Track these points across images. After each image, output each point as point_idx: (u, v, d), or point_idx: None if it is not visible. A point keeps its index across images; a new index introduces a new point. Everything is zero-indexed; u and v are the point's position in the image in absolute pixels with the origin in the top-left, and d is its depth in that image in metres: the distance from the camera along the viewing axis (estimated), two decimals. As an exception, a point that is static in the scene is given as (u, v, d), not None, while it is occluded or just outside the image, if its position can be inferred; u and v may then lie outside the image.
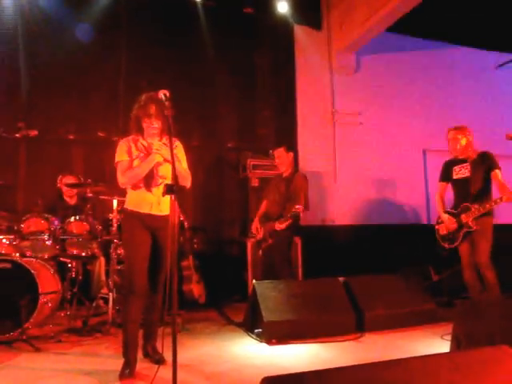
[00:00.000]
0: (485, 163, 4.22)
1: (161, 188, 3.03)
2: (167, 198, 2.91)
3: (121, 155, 3.09)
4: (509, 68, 8.20)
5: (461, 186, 4.35)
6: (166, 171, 3.08)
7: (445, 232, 4.40)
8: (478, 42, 7.92)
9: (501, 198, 3.98)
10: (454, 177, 4.44)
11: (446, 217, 4.38)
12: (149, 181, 3.07)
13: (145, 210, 3.07)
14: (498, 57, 8.17)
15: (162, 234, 3.08)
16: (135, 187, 3.10)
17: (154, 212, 3.08)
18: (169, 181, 3.03)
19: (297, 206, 4.35)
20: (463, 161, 4.37)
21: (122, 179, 3.07)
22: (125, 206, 3.20)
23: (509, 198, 3.91)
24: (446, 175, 4.53)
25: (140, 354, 3.14)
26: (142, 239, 3.06)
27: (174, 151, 2.97)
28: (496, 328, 2.49)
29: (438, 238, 4.50)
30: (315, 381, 1.34)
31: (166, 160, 3.05)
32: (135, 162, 3.07)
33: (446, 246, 4.38)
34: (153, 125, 3.05)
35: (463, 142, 4.34)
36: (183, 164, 3.19)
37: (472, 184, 4.22)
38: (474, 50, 8.05)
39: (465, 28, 7.29)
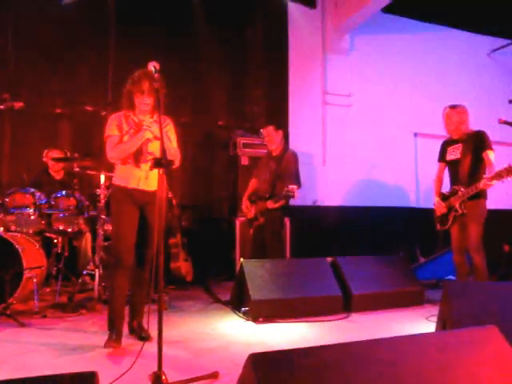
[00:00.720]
0: (476, 144, 4.11)
1: (149, 164, 3.05)
2: (155, 173, 2.90)
3: (111, 130, 3.09)
4: (502, 53, 8.17)
5: (452, 168, 4.29)
6: (155, 148, 3.09)
7: (438, 214, 4.38)
8: (472, 26, 7.87)
9: (476, 186, 3.91)
10: (447, 158, 4.36)
11: (436, 200, 4.36)
12: (138, 157, 3.08)
13: (132, 184, 3.09)
14: (493, 41, 8.13)
15: (149, 209, 3.10)
16: (124, 162, 3.11)
17: (142, 187, 3.09)
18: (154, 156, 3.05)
19: (290, 187, 4.26)
20: (457, 141, 4.29)
21: (110, 154, 3.08)
22: (113, 181, 3.21)
23: (485, 185, 3.83)
24: (441, 155, 4.45)
25: (126, 331, 3.12)
26: (130, 214, 3.08)
27: (164, 129, 2.98)
28: (482, 309, 2.50)
29: (435, 218, 4.46)
30: (302, 358, 1.32)
31: (156, 137, 3.05)
32: (125, 138, 3.07)
33: (438, 227, 4.36)
34: (145, 101, 3.04)
35: (457, 120, 4.22)
36: (173, 143, 3.19)
37: (461, 166, 4.15)
38: (468, 33, 8.00)
39: (460, 11, 7.22)
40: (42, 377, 1.24)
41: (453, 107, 4.28)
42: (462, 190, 4.06)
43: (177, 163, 3.13)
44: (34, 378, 1.26)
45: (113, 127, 3.09)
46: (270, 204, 4.58)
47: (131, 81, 3.06)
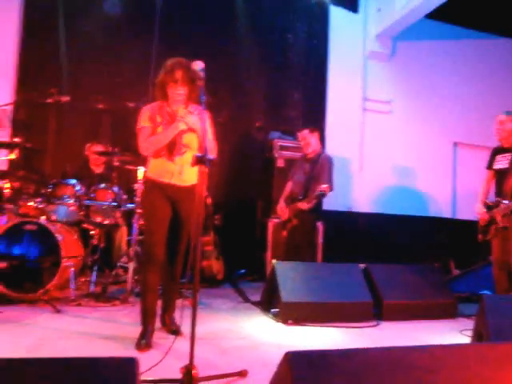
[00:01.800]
0: None
1: (184, 157, 2.99)
2: (189, 168, 2.93)
3: (143, 121, 3.01)
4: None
5: (499, 178, 4.14)
6: (189, 140, 3.01)
7: (480, 223, 4.22)
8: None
9: None
10: (494, 166, 4.21)
11: (478, 208, 4.21)
12: (171, 149, 2.98)
13: (165, 179, 3.00)
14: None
15: (182, 205, 3.04)
16: (157, 155, 3.02)
17: (175, 182, 3.01)
18: (193, 150, 3.01)
19: (322, 186, 4.24)
20: (507, 150, 4.12)
21: (143, 145, 2.99)
22: (145, 175, 3.14)
23: None
24: (490, 163, 4.28)
25: (158, 323, 3.16)
26: (162, 209, 3.02)
27: (204, 124, 2.95)
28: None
29: (478, 228, 4.32)
30: (341, 359, 1.32)
31: (190, 129, 2.97)
32: (159, 129, 2.98)
33: (480, 237, 4.22)
34: (178, 91, 2.95)
35: (510, 128, 4.07)
36: (209, 135, 3.01)
37: (508, 177, 4.01)
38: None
39: (505, 19, 7.03)
40: (87, 358, 1.28)
41: (508, 113, 4.12)
42: (505, 202, 3.94)
43: (213, 154, 3.01)
44: (77, 359, 1.30)
45: (145, 118, 3.01)
46: (303, 205, 4.55)
47: (164, 70, 2.96)
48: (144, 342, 2.87)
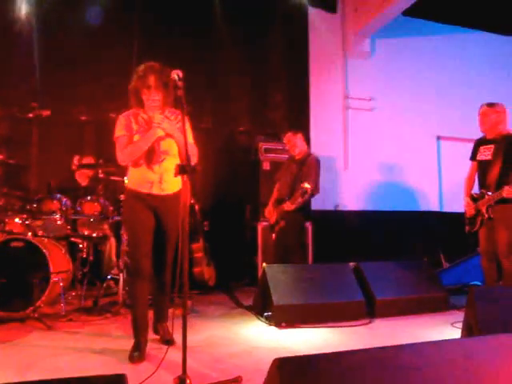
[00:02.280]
0: (509, 147, 3.97)
1: (163, 165, 2.93)
2: (170, 177, 2.87)
3: (119, 130, 2.93)
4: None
5: (482, 169, 4.16)
6: (168, 146, 2.93)
7: (467, 215, 4.25)
8: (496, 27, 7.74)
9: (500, 193, 3.83)
10: (478, 157, 4.23)
11: (466, 200, 4.25)
12: (150, 157, 2.90)
13: (145, 189, 2.93)
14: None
15: (165, 214, 2.98)
16: (136, 165, 2.93)
17: (155, 191, 2.93)
18: (172, 157, 2.95)
19: (305, 184, 4.21)
20: (490, 141, 4.14)
21: (120, 156, 2.91)
22: (125, 185, 3.05)
23: (508, 193, 3.74)
24: (473, 154, 4.31)
25: (150, 332, 3.14)
26: (144, 219, 2.95)
27: (177, 124, 2.88)
28: (510, 316, 2.46)
29: (465, 219, 4.37)
30: (328, 363, 1.32)
31: (168, 134, 2.89)
32: (135, 137, 2.90)
33: (467, 229, 4.26)
34: (153, 97, 2.88)
35: (494, 120, 4.08)
36: (189, 138, 2.92)
37: (491, 168, 4.03)
38: (492, 34, 7.88)
39: (482, 13, 7.12)
40: (73, 378, 1.27)
41: (490, 105, 4.14)
42: (489, 194, 3.99)
43: (195, 159, 2.94)
44: (64, 380, 1.29)
45: (121, 127, 2.92)
46: (287, 205, 4.55)
47: (136, 76, 2.89)
48: (137, 354, 2.84)
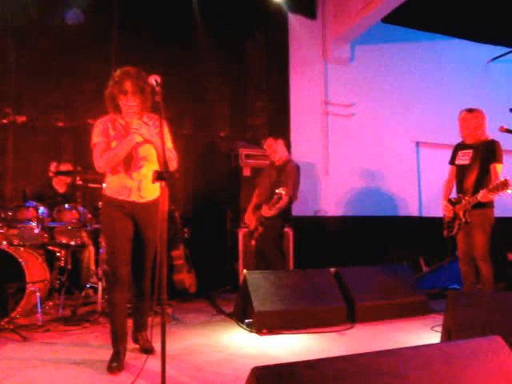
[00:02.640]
0: (486, 153, 4.04)
1: (142, 172, 2.90)
2: (148, 183, 2.83)
3: (96, 137, 2.88)
4: (502, 62, 8.20)
5: (460, 173, 4.23)
6: (147, 152, 2.89)
7: (446, 219, 4.30)
8: (472, 35, 7.90)
9: (476, 197, 3.89)
10: (456, 162, 4.29)
11: (443, 204, 4.30)
12: (128, 164, 2.86)
13: (123, 196, 2.89)
14: (492, 50, 8.15)
15: (143, 221, 2.95)
16: (114, 171, 2.89)
17: (133, 199, 2.90)
18: (151, 163, 2.91)
19: (278, 190, 4.20)
20: (469, 146, 4.20)
21: (98, 163, 2.85)
22: (103, 193, 3.00)
23: (483, 197, 3.80)
24: (452, 158, 4.37)
25: (130, 341, 3.09)
26: (123, 228, 2.91)
27: (155, 130, 2.84)
28: (487, 319, 2.49)
29: (443, 223, 4.42)
30: (306, 370, 1.31)
31: (146, 140, 2.84)
32: (113, 144, 2.85)
33: (445, 233, 4.31)
34: (129, 102, 2.84)
35: (473, 125, 4.14)
36: (168, 144, 2.89)
37: (468, 173, 4.10)
38: (468, 42, 8.03)
39: (459, 20, 7.27)
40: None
41: (469, 111, 4.20)
42: (466, 198, 4.05)
43: (174, 165, 2.92)
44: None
45: (98, 134, 2.88)
46: (264, 211, 4.55)
47: (112, 82, 2.85)
48: (116, 364, 2.79)
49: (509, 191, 3.69)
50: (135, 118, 2.91)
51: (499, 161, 4.01)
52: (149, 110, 2.94)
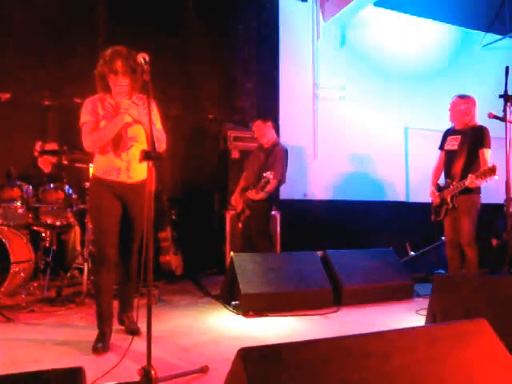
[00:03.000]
0: (474, 139, 4.06)
1: (131, 152, 2.87)
2: (137, 164, 2.78)
3: (85, 116, 2.87)
4: (493, 48, 8.19)
5: (448, 159, 4.25)
6: (135, 133, 2.88)
7: (433, 204, 4.34)
8: (464, 21, 7.87)
9: (463, 182, 3.92)
10: (445, 147, 4.32)
11: (431, 190, 4.34)
12: (117, 144, 2.85)
13: (112, 176, 2.88)
14: (483, 37, 8.13)
15: (132, 202, 2.94)
16: (102, 151, 2.88)
17: (122, 179, 2.89)
18: (140, 143, 2.88)
19: (266, 174, 4.18)
20: (458, 132, 4.23)
21: (86, 142, 2.85)
22: (92, 172, 3.00)
23: (471, 183, 3.84)
24: (441, 143, 4.39)
25: (115, 323, 3.08)
26: (111, 207, 2.90)
27: (144, 110, 2.81)
28: (471, 303, 2.51)
29: (431, 208, 4.44)
30: (293, 352, 1.31)
31: (135, 121, 2.84)
32: (102, 123, 2.84)
33: (433, 218, 4.34)
34: (119, 82, 2.81)
35: (463, 111, 4.16)
36: (157, 125, 2.92)
37: (456, 158, 4.12)
38: (460, 28, 8.01)
39: (453, 7, 7.22)
40: (26, 373, 1.21)
41: (461, 97, 4.23)
42: (454, 184, 4.07)
43: (163, 146, 2.92)
44: (16, 375, 1.23)
45: (87, 113, 2.86)
46: (251, 194, 4.53)
47: (102, 61, 2.82)
48: (101, 345, 2.78)
49: (496, 177, 3.73)
50: (125, 98, 2.87)
51: (487, 146, 4.03)
52: (139, 90, 2.90)
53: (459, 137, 4.19)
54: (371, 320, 3.68)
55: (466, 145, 4.10)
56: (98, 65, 2.86)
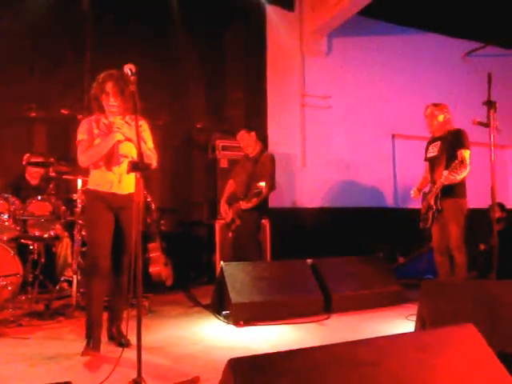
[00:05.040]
0: (452, 142, 4.13)
1: (122, 167, 3.01)
2: (129, 176, 2.97)
3: (81, 134, 3.05)
4: (476, 56, 8.32)
5: (431, 166, 4.33)
6: (127, 150, 3.06)
7: (422, 211, 4.37)
8: (447, 29, 8.00)
9: (441, 181, 4.00)
10: (427, 155, 4.40)
11: (413, 191, 4.44)
12: (109, 159, 3.03)
13: (105, 188, 3.03)
14: (467, 44, 8.27)
15: (124, 213, 3.06)
16: (96, 166, 3.05)
17: (115, 190, 3.04)
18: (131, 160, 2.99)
19: (259, 184, 4.27)
20: (437, 139, 4.31)
21: (81, 158, 3.02)
22: (87, 186, 3.16)
23: (446, 179, 3.92)
24: (425, 154, 4.46)
25: (105, 337, 3.07)
26: (104, 219, 3.03)
27: (138, 129, 2.91)
28: (460, 308, 2.54)
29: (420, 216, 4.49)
30: (283, 361, 1.31)
31: (127, 139, 3.00)
32: (96, 141, 3.02)
33: (421, 225, 4.38)
34: (111, 102, 3.00)
35: (440, 118, 4.25)
36: (149, 144, 3.13)
37: (437, 163, 4.18)
38: (442, 36, 8.13)
39: (436, 15, 7.34)
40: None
41: (434, 105, 4.31)
42: (436, 186, 4.13)
43: (154, 163, 3.07)
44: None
45: (83, 131, 3.05)
46: (243, 204, 4.56)
47: (96, 83, 3.03)
48: (91, 345, 2.89)
49: (467, 169, 3.92)
50: (118, 118, 3.05)
51: (465, 146, 4.09)
52: (130, 111, 3.02)
53: (439, 143, 4.27)
54: (361, 327, 3.69)
55: (445, 149, 4.18)
56: (92, 87, 3.05)
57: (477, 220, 4.89)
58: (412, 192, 4.43)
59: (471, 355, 1.57)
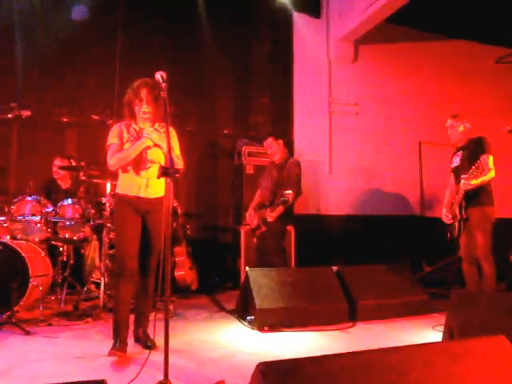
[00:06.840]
0: (474, 149, 4.11)
1: (150, 172, 3.07)
2: (156, 181, 3.05)
3: (111, 138, 3.12)
4: (507, 63, 8.16)
5: (456, 176, 4.29)
6: (155, 155, 3.11)
7: (447, 222, 4.33)
8: (477, 36, 7.88)
9: (461, 189, 3.97)
10: (452, 166, 4.38)
11: (443, 211, 4.35)
12: (138, 164, 3.08)
13: (133, 192, 3.08)
14: (497, 51, 8.12)
15: (151, 217, 3.11)
16: (124, 170, 3.11)
17: (142, 195, 3.09)
18: (158, 165, 3.07)
19: (286, 192, 4.29)
20: (460, 148, 4.31)
21: (110, 161, 3.09)
22: (116, 190, 3.22)
23: (464, 185, 3.90)
24: (451, 165, 4.44)
25: (131, 339, 3.12)
26: (132, 222, 3.08)
27: (169, 135, 2.96)
28: (489, 318, 2.49)
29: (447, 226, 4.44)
30: (312, 366, 1.32)
31: (156, 145, 3.07)
32: (125, 146, 3.09)
33: (448, 236, 4.33)
34: (144, 109, 3.06)
35: (460, 129, 4.26)
36: (176, 151, 3.17)
37: (461, 173, 4.12)
38: (472, 43, 8.01)
39: (464, 21, 7.24)
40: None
41: (453, 117, 4.35)
42: (459, 195, 4.08)
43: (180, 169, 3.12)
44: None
45: (113, 136, 3.12)
46: (269, 216, 4.58)
47: (130, 89, 3.10)
48: (118, 346, 2.93)
49: (491, 173, 3.93)
50: (148, 125, 3.13)
51: (487, 152, 4.05)
52: (161, 119, 3.07)
53: (461, 152, 4.27)
54: (387, 336, 3.64)
55: (467, 157, 4.15)
56: (126, 93, 3.13)
57: (507, 230, 4.79)
58: (444, 216, 4.33)
59: (503, 367, 1.54)
